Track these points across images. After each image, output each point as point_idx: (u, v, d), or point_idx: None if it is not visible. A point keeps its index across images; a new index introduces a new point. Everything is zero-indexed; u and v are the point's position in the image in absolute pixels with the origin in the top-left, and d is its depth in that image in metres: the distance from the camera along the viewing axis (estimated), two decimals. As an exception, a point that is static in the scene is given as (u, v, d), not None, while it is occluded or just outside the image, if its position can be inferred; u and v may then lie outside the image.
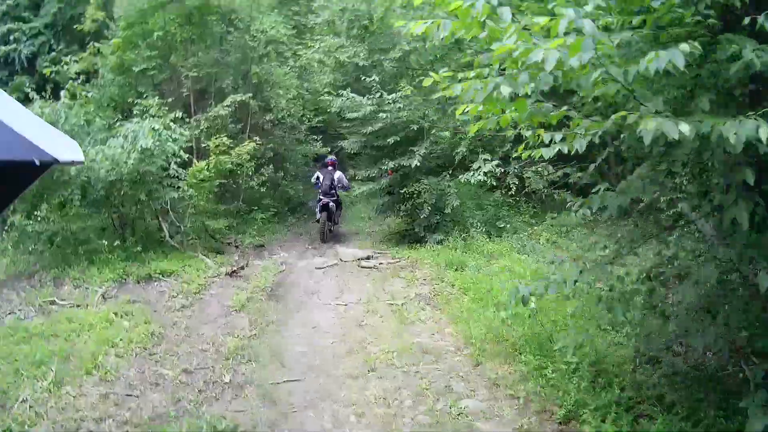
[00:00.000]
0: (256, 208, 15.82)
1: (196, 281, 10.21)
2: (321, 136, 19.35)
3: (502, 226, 13.81)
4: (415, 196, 13.95)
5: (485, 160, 13.19)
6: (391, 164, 12.63)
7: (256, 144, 14.10)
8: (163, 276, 10.66)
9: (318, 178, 13.21)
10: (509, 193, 14.04)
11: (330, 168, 13.42)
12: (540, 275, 7.68)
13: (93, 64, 16.76)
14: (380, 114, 12.40)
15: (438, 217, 13.30)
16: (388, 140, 12.49)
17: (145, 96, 13.92)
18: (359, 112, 12.68)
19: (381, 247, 13.72)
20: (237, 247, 13.97)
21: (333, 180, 12.93)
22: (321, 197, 12.73)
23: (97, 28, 17.95)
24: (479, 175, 12.75)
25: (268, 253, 13.47)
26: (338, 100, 13.36)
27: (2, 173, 1.71)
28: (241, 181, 15.07)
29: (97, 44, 15.70)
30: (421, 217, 12.94)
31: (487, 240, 12.80)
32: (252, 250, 13.69)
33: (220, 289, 9.95)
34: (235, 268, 10.72)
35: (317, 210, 12.79)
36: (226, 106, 14.21)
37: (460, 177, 13.11)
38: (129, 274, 10.12)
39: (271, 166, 15.83)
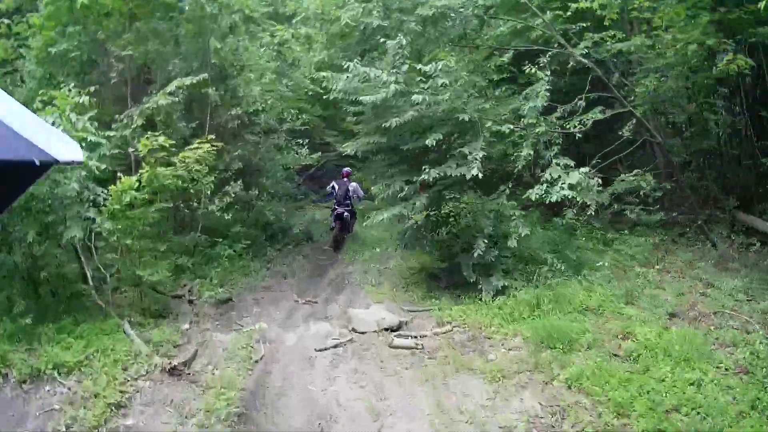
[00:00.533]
0: (220, 240, 11.10)
1: (106, 391, 5.56)
2: (306, 142, 14.77)
3: (579, 259, 9.44)
4: (456, 219, 9.48)
5: (567, 166, 8.81)
6: (434, 173, 8.04)
7: (213, 147, 9.45)
8: (59, 373, 6.12)
9: (333, 187, 12.72)
10: (586, 213, 9.60)
11: (345, 179, 12.81)
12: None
13: (11, 50, 12.11)
14: (412, 97, 7.82)
15: (495, 251, 8.81)
16: (427, 139, 7.94)
17: (62, 86, 9.19)
18: (376, 95, 8.08)
19: (410, 299, 9.17)
20: (191, 302, 9.29)
21: (348, 190, 12.46)
22: (336, 207, 12.43)
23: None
24: (561, 189, 8.37)
25: (238, 315, 8.81)
26: (341, 80, 8.73)
27: (2, 173, 1.63)
28: (196, 204, 10.37)
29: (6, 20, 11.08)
30: (474, 253, 8.42)
31: (573, 283, 8.44)
32: (213, 308, 9.02)
33: (147, 413, 5.26)
34: (174, 364, 6.05)
35: (332, 219, 12.64)
36: (170, 93, 9.54)
37: (528, 193, 8.69)
38: (11, 365, 6.43)
39: (240, 182, 11.15)
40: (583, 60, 9.69)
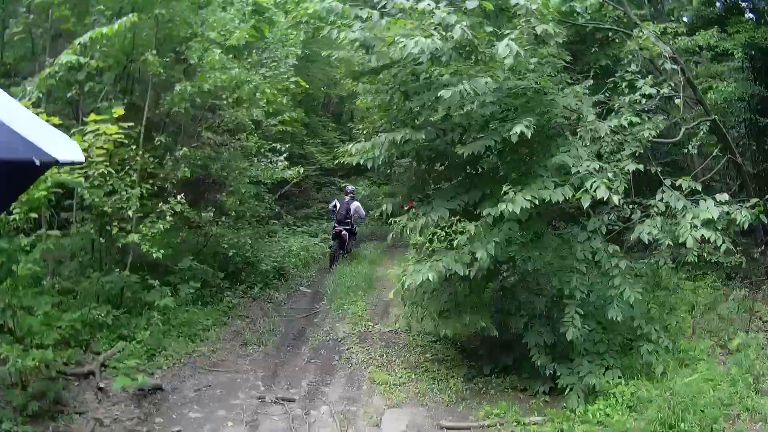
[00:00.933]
0: (156, 283, 7.52)
1: None
2: (283, 151, 11.33)
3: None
4: (515, 267, 6.23)
5: (694, 191, 5.72)
6: (522, 199, 4.61)
7: (123, 131, 6.02)
8: None
9: (335, 206, 12.72)
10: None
11: (347, 198, 12.78)
12: None
13: None
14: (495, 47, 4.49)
15: (584, 326, 5.50)
16: (513, 129, 4.56)
17: None
18: (418, 43, 4.62)
19: (445, 398, 5.77)
20: (101, 389, 5.75)
21: (349, 209, 12.34)
22: (336, 225, 12.31)
23: None
24: (693, 228, 5.22)
25: (167, 423, 5.26)
26: (359, 23, 5.29)
27: (2, 173, 1.59)
28: (110, 228, 6.85)
29: None
30: (567, 331, 5.14)
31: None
32: (132, 403, 5.50)
33: None
34: None
35: (330, 237, 12.64)
36: (81, 50, 6.09)
37: (637, 230, 5.43)
38: None
39: (181, 197, 7.60)
40: (660, 47, 6.62)
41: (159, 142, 8.00)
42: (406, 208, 23.85)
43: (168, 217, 7.16)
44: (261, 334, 7.66)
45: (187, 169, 7.68)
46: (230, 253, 9.11)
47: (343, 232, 12.17)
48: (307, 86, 11.86)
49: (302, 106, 20.50)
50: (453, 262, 4.87)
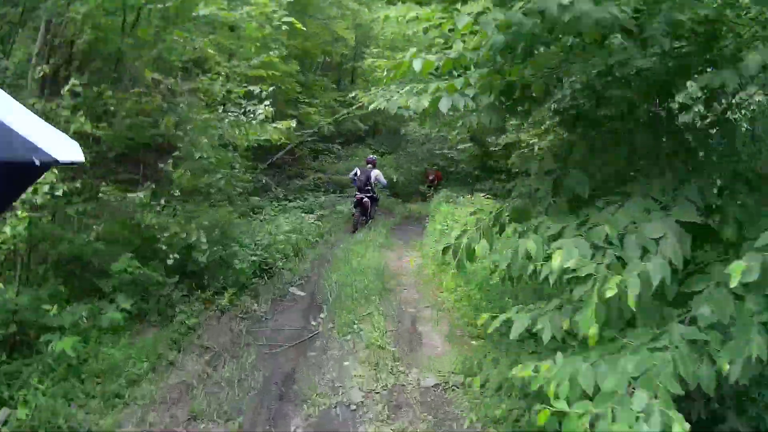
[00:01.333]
0: (49, 309, 4.58)
1: None
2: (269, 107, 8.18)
3: None
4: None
5: None
6: None
7: None
8: None
9: (355, 173, 12.68)
10: None
11: (369, 165, 12.73)
12: None
13: None
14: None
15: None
16: None
17: None
18: None
19: None
20: None
21: (369, 176, 12.40)
22: (357, 193, 12.53)
23: None
24: None
25: None
26: None
27: (2, 173, 1.63)
28: None
29: None
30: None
31: None
32: None
33: None
34: None
35: (352, 206, 12.84)
36: None
37: None
38: None
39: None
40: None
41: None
42: (430, 178, 21.03)
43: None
44: (224, 390, 4.72)
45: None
46: (183, 244, 6.09)
47: (365, 199, 12.46)
48: (303, 28, 8.69)
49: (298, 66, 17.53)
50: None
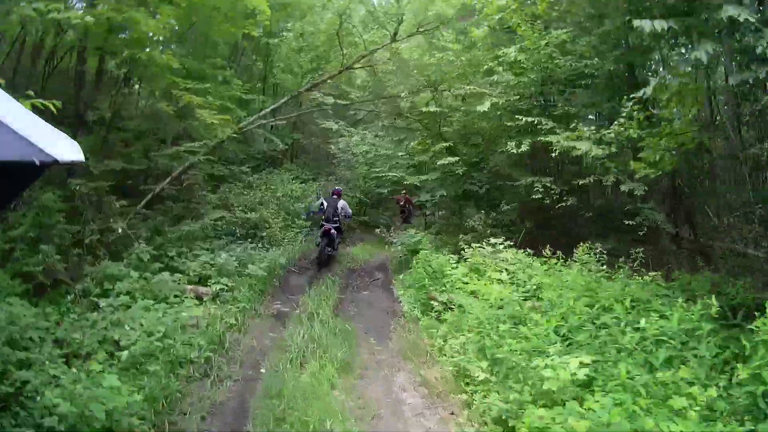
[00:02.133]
0: None
1: None
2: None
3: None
4: None
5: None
6: None
7: None
8: None
9: (322, 204, 12.37)
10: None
11: (335, 197, 12.57)
12: None
13: None
14: None
15: None
16: None
17: None
18: None
19: None
20: None
21: (336, 208, 12.29)
22: (323, 223, 12.09)
23: None
24: None
25: None
26: None
27: (2, 173, 1.66)
28: None
29: None
30: None
31: None
32: None
33: None
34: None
35: (318, 236, 12.22)
36: None
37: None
38: None
39: None
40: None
41: None
42: (401, 204, 17.76)
43: None
44: None
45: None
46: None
47: (332, 230, 12.09)
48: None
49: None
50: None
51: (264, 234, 12.22)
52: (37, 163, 1.53)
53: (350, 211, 12.71)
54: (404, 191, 17.00)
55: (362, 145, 17.30)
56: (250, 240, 11.41)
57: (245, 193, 14.31)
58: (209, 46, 14.14)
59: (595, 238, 7.93)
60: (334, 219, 12.08)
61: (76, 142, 1.76)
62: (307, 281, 10.02)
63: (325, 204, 12.19)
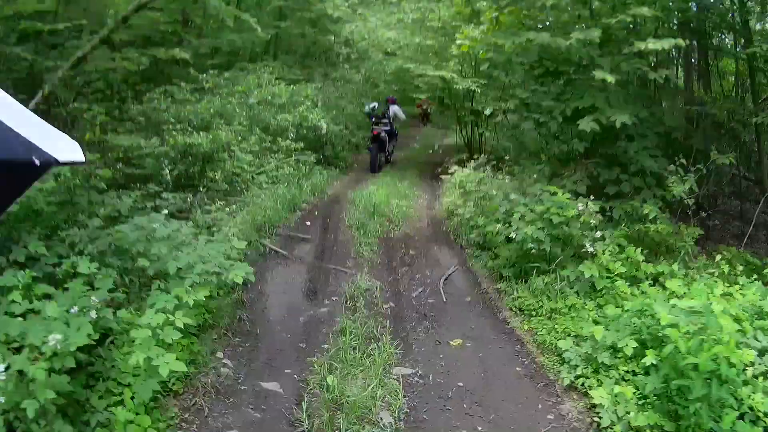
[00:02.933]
0: None
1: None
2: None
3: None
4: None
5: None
6: None
7: None
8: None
9: (373, 108, 11.76)
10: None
11: (388, 102, 12.22)
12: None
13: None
14: None
15: None
16: None
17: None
18: None
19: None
20: None
21: (387, 110, 11.84)
22: (374, 127, 11.46)
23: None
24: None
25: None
26: None
27: (1, 173, 1.63)
28: None
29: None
30: None
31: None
32: None
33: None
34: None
35: (369, 141, 11.86)
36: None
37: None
38: None
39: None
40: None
41: None
42: (424, 108, 18.07)
43: None
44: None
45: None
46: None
47: (382, 134, 11.45)
48: None
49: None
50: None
51: (217, 174, 6.83)
52: (37, 163, 1.50)
53: (403, 116, 12.09)
54: (425, 96, 15.03)
55: (386, 31, 12.60)
56: (190, 193, 6.08)
57: (194, 99, 8.74)
58: None
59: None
60: (384, 122, 11.47)
61: (76, 142, 1.68)
62: (304, 283, 5.07)
63: (376, 107, 11.66)
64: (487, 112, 10.08)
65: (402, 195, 9.39)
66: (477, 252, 6.71)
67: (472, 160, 9.75)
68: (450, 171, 9.08)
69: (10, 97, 1.62)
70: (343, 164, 12.02)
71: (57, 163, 1.59)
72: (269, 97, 9.98)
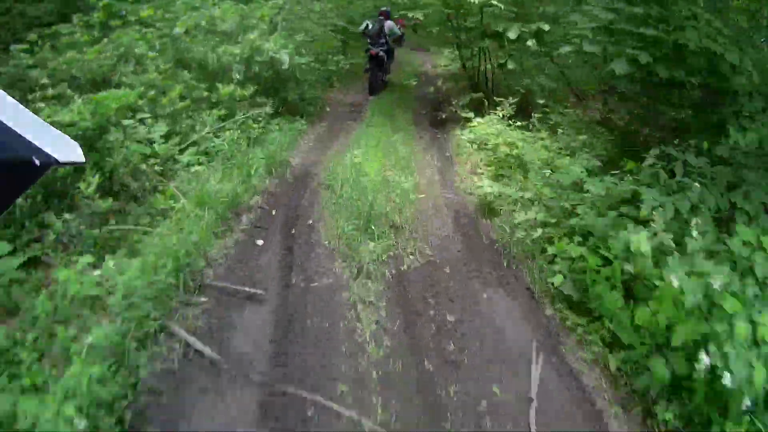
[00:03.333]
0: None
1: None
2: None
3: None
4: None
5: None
6: None
7: None
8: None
9: (367, 26, 10.86)
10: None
11: (381, 18, 10.99)
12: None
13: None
14: None
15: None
16: None
17: None
18: None
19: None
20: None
21: (382, 27, 10.77)
22: (369, 47, 10.80)
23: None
24: None
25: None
26: None
27: (2, 173, 1.53)
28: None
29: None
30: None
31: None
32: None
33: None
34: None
35: (365, 62, 11.06)
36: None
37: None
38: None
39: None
40: None
41: None
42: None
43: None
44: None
45: None
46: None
47: (380, 53, 10.75)
48: None
49: None
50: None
51: (93, 182, 4.17)
52: (37, 163, 1.42)
53: (398, 31, 11.29)
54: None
55: None
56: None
57: (89, 39, 5.91)
58: None
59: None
60: (380, 41, 10.88)
61: (76, 143, 1.60)
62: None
63: (370, 26, 10.91)
64: (512, 35, 7.38)
65: (402, 162, 6.75)
66: (568, 313, 3.93)
67: (495, 107, 7.20)
68: (470, 123, 6.69)
69: (9, 96, 1.49)
70: (313, 109, 9.26)
71: (57, 163, 1.48)
72: (204, 23, 7.07)
